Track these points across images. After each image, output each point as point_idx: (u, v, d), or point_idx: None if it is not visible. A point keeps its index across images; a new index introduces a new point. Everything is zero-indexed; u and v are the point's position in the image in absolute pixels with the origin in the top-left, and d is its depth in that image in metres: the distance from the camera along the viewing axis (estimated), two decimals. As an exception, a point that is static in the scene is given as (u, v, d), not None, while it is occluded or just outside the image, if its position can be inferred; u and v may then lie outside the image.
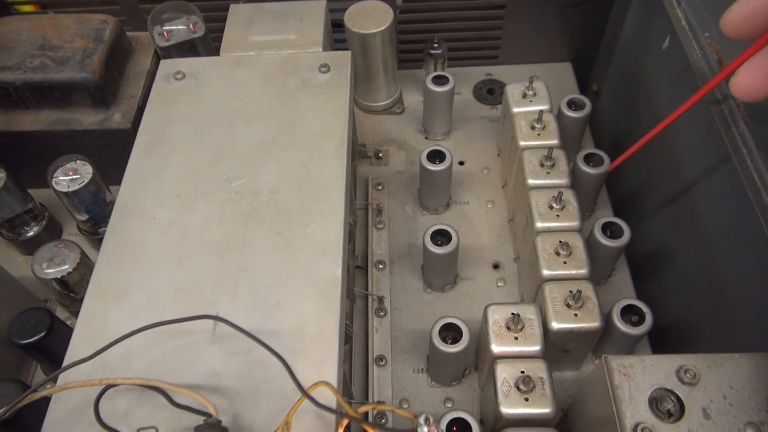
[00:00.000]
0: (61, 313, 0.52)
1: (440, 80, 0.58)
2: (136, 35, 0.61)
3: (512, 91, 0.55)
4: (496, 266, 0.54)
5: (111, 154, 0.55)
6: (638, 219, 0.55)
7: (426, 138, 0.64)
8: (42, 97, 0.54)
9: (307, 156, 0.45)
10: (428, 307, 0.52)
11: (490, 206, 0.58)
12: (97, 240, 0.55)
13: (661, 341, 0.49)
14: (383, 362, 0.48)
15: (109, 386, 0.31)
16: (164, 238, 0.41)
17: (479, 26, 0.66)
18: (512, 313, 0.41)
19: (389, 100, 0.66)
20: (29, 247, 0.56)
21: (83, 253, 0.48)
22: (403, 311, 0.52)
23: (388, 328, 0.50)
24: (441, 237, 0.48)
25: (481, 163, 0.61)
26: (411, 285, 0.53)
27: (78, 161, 0.51)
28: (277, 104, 0.48)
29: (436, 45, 0.62)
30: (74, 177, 0.51)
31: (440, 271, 0.51)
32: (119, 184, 0.60)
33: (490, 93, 0.67)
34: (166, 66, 0.52)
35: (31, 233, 0.56)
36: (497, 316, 0.42)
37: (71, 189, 0.50)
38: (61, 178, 0.50)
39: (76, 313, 0.52)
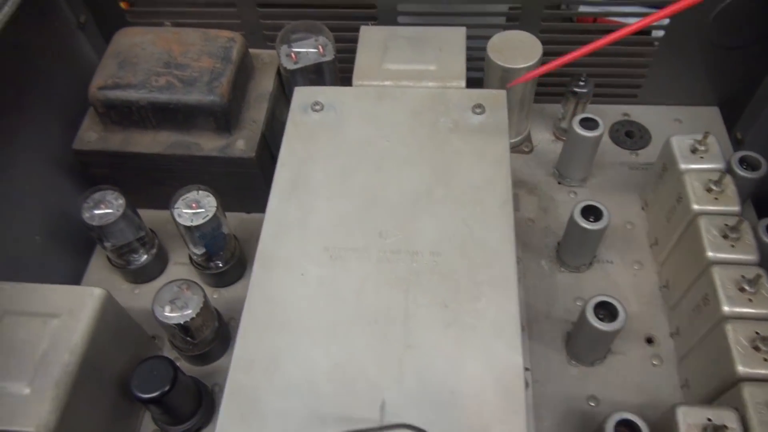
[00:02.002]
0: (169, 353, 0.48)
1: (589, 123, 0.52)
2: (256, 53, 0.57)
3: (679, 143, 0.49)
4: (649, 341, 0.48)
5: (230, 182, 0.52)
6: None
7: (559, 183, 0.58)
8: (164, 118, 0.50)
9: (469, 213, 0.40)
10: (575, 384, 0.46)
11: (636, 268, 0.52)
12: (208, 275, 0.51)
13: None
14: (526, 445, 0.43)
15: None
16: (315, 299, 0.36)
17: (623, 62, 0.61)
18: (708, 419, 0.36)
19: (518, 138, 0.60)
20: (136, 276, 0.53)
21: (206, 296, 0.44)
22: (546, 385, 0.46)
23: (531, 404, 0.45)
24: (602, 310, 0.43)
25: (624, 216, 0.55)
26: (553, 354, 0.48)
27: (200, 191, 0.48)
28: (429, 147, 0.44)
29: (582, 83, 0.56)
30: (197, 210, 0.47)
31: (594, 346, 0.45)
32: (236, 211, 0.57)
33: (629, 136, 0.61)
34: (302, 95, 0.47)
35: (140, 261, 0.52)
36: (690, 421, 0.36)
37: (194, 223, 0.46)
38: (183, 210, 0.47)
39: (186, 356, 0.48)
